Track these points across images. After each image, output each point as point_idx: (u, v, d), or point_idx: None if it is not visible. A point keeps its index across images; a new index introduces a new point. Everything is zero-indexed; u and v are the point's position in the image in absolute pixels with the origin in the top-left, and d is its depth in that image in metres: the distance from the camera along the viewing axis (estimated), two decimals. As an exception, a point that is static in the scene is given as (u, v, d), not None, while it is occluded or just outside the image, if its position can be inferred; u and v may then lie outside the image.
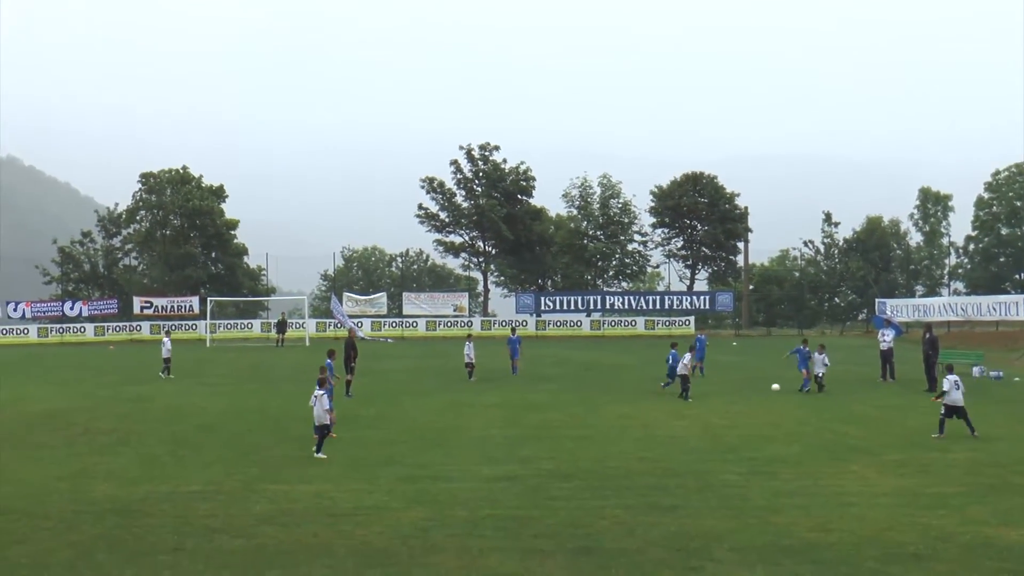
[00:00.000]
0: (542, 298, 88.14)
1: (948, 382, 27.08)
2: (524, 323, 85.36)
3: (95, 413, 32.50)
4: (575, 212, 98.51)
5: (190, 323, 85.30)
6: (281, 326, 76.31)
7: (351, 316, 79.24)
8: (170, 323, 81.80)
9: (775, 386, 37.61)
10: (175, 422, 30.12)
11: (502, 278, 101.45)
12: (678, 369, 36.53)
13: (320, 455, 23.34)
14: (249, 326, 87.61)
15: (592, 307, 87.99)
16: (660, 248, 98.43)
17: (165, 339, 48.47)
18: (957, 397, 26.77)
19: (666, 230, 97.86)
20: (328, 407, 23.97)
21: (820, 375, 36.90)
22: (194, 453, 24.21)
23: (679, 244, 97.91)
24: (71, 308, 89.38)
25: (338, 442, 25.22)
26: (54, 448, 25.28)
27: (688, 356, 36.61)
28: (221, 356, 61.47)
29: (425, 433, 27.27)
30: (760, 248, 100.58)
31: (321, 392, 23.88)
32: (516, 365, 45.34)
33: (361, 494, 19.03)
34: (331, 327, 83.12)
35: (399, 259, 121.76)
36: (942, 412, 26.73)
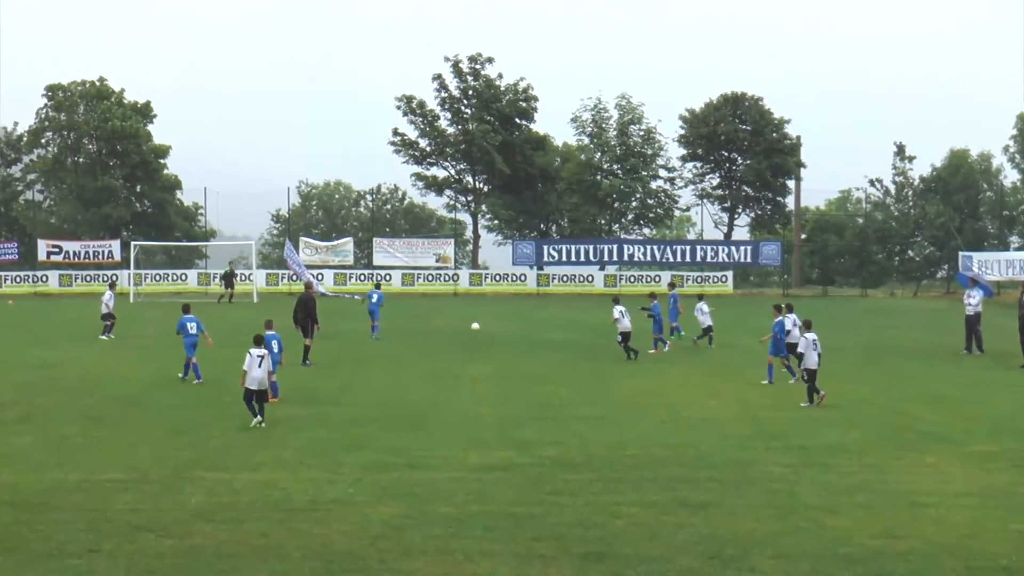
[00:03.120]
0: (545, 247, 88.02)
1: (804, 342, 27.77)
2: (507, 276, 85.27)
3: (-9, 382, 32.49)
4: (586, 141, 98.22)
5: (109, 273, 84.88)
6: (228, 279, 75.49)
7: (309, 267, 79.16)
8: (112, 272, 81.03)
9: (475, 325, 39.06)
10: (90, 394, 30.10)
11: (496, 222, 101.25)
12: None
13: (257, 420, 24.79)
14: (183, 277, 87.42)
15: (607, 258, 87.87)
16: (691, 187, 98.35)
17: (108, 291, 48.73)
18: (813, 359, 27.77)
19: (699, 164, 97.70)
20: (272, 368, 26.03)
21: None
22: (113, 433, 24.19)
23: (715, 182, 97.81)
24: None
25: (294, 420, 25.26)
26: (-60, 425, 25.26)
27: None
28: (148, 313, 61.34)
29: (400, 410, 27.29)
30: (815, 188, 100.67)
31: (261, 352, 25.28)
32: (376, 326, 46.86)
33: (321, 485, 19.04)
34: (285, 279, 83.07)
35: (369, 196, 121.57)
36: (804, 379, 28.05)
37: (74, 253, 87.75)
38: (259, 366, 24.96)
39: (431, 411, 27.27)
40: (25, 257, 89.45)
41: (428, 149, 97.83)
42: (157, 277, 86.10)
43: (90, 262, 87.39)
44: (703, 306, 43.11)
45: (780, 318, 33.85)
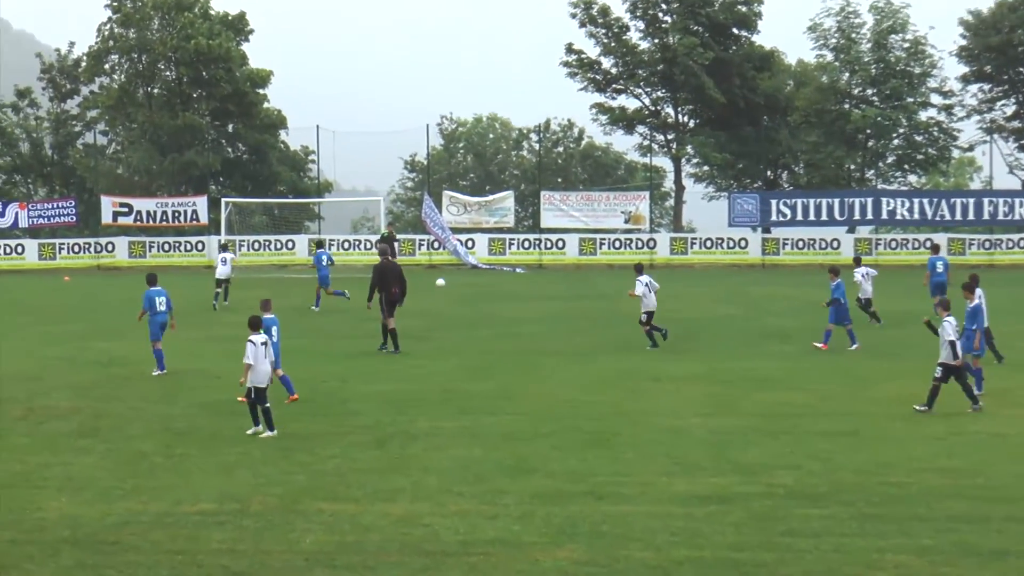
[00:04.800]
0: (773, 202, 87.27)
1: (949, 327, 27.58)
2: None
3: (44, 384, 33.31)
4: (830, 57, 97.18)
5: (193, 240, 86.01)
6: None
7: (455, 230, 79.69)
8: (224, 236, 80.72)
9: (439, 281, 45.44)
10: (172, 400, 30.72)
11: (706, 168, 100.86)
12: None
13: (257, 430, 25.89)
14: (289, 245, 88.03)
15: (858, 217, 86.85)
16: (976, 118, 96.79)
17: (224, 254, 52.72)
18: (947, 356, 27.53)
19: (987, 87, 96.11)
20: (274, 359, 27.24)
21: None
22: (203, 451, 24.65)
23: (1009, 111, 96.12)
24: (1, 214, 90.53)
25: (437, 435, 25.44)
26: (-20, 439, 25.98)
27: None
28: (245, 294, 62.11)
29: (579, 422, 27.37)
30: None
31: (263, 338, 26.26)
32: (320, 295, 52.41)
33: (476, 520, 19.18)
34: (423, 246, 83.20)
35: (534, 136, 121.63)
36: (937, 375, 27.80)
37: (148, 214, 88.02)
38: (264, 356, 25.81)
39: (622, 423, 27.26)
40: (85, 220, 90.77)
41: (614, 71, 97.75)
42: (256, 245, 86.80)
43: (168, 225, 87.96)
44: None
45: (838, 280, 39.20)
